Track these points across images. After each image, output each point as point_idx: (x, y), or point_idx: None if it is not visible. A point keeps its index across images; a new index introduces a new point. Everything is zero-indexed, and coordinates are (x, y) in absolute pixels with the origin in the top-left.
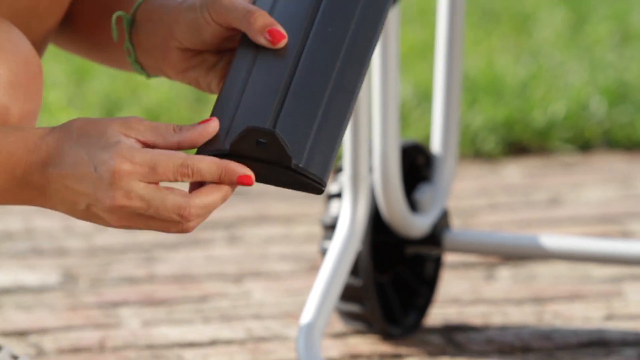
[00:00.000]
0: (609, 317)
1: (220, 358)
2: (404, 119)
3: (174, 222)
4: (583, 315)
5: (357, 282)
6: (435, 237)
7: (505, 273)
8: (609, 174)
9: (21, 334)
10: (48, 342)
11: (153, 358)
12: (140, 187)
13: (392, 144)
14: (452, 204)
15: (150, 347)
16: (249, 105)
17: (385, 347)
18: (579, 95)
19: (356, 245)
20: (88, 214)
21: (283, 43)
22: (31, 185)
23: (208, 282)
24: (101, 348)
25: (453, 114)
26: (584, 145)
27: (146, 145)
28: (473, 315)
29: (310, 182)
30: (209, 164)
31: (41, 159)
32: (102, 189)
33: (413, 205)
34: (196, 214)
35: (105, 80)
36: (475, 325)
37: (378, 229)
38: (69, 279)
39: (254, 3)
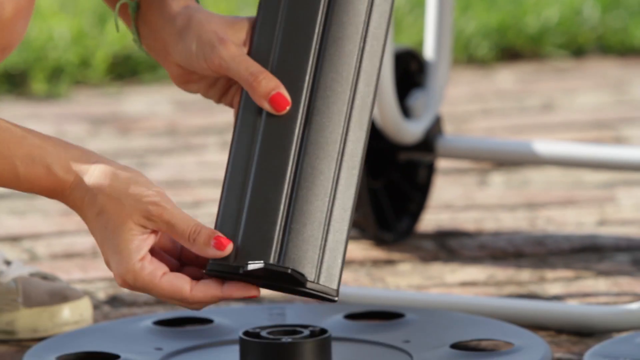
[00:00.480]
0: (602, 223)
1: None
2: (397, 25)
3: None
4: (576, 221)
5: None
6: (428, 143)
7: (498, 179)
8: (602, 80)
9: (14, 239)
10: (41, 248)
11: None
12: (137, 276)
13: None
14: (445, 110)
15: None
16: (255, 212)
17: (378, 253)
18: (572, 1)
19: None
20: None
21: (287, 109)
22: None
23: (201, 187)
24: (94, 253)
25: (446, 19)
26: (577, 51)
27: (157, 236)
28: (466, 221)
29: (322, 295)
30: (209, 301)
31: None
32: (107, 254)
33: (406, 112)
34: (184, 301)
35: None
36: (468, 231)
37: (371, 135)
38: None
39: (251, 47)
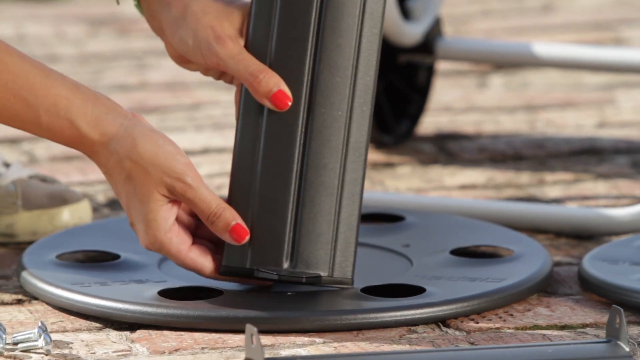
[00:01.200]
0: (601, 125)
1: (212, 166)
2: None
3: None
4: (575, 123)
5: None
6: (428, 45)
7: (497, 81)
8: None
9: (13, 141)
10: (40, 150)
11: None
12: (157, 239)
13: None
14: (445, 11)
15: None
16: (264, 213)
17: (378, 156)
18: None
19: None
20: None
21: (289, 105)
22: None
23: (200, 89)
24: None
25: None
26: None
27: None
28: (465, 123)
29: (337, 283)
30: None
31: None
32: (138, 225)
33: (405, 13)
34: (202, 270)
35: None
36: (467, 134)
37: None
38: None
39: (247, 39)
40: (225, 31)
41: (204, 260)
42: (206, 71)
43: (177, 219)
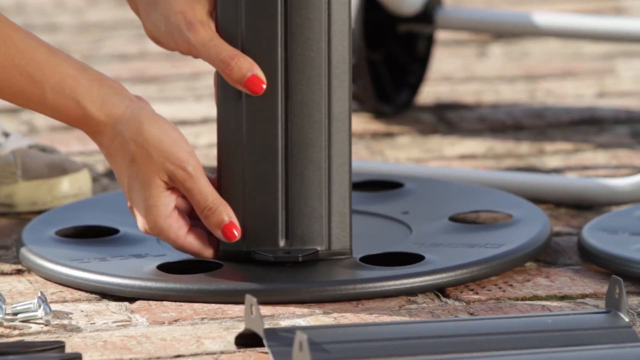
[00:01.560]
0: (601, 95)
1: (212, 136)
2: None
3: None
4: (575, 93)
5: None
6: (428, 14)
7: (497, 50)
8: None
9: (13, 110)
10: (40, 119)
11: None
12: (154, 223)
13: None
14: None
15: None
16: (255, 195)
17: (377, 126)
18: None
19: None
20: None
21: (264, 88)
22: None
23: (199, 59)
24: None
25: None
26: None
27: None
28: (465, 93)
29: (336, 255)
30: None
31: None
32: (130, 200)
33: None
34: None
35: None
36: (467, 103)
37: (370, 6)
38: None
39: (217, 22)
40: (196, 16)
41: (202, 244)
42: (184, 53)
43: (176, 204)
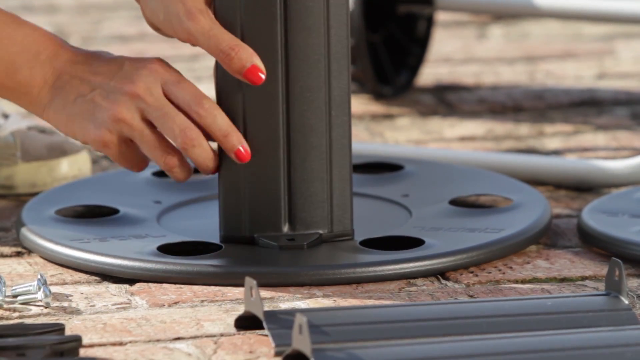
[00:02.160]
0: (601, 76)
1: None
2: None
3: (168, 145)
4: (575, 74)
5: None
6: None
7: (497, 31)
8: None
9: None
10: None
11: None
12: (159, 89)
13: None
14: None
15: None
16: (257, 180)
17: (377, 108)
18: None
19: None
20: (88, 103)
21: (263, 78)
22: (46, 72)
23: None
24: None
25: None
26: None
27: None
28: (465, 74)
29: (339, 237)
30: (226, 119)
31: (68, 55)
32: (124, 76)
33: None
34: (195, 141)
35: None
36: (467, 85)
37: None
38: (60, 36)
39: (215, 8)
40: (196, 4)
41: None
42: (182, 41)
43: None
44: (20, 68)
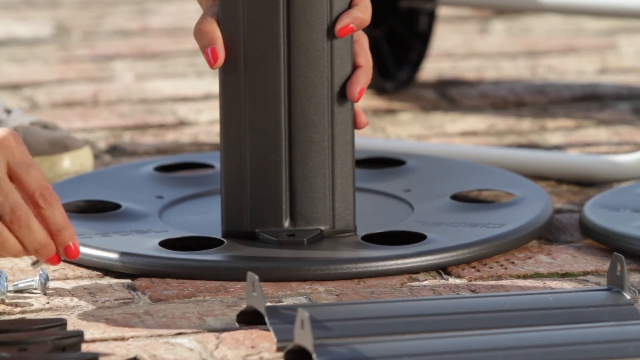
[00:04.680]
0: (603, 71)
1: (213, 113)
2: None
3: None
4: (577, 69)
5: None
6: None
7: (499, 26)
8: None
9: (14, 87)
10: (41, 95)
11: (146, 112)
12: (3, 167)
13: None
14: None
15: (144, 101)
16: (258, 175)
17: (379, 102)
18: None
19: None
20: None
21: (215, 63)
22: None
23: None
24: (94, 102)
25: None
26: None
27: None
28: (467, 69)
29: (341, 233)
30: (62, 216)
31: None
32: None
33: None
34: (22, 221)
35: None
36: (468, 80)
37: None
38: (62, 31)
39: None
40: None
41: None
42: None
43: None
44: None
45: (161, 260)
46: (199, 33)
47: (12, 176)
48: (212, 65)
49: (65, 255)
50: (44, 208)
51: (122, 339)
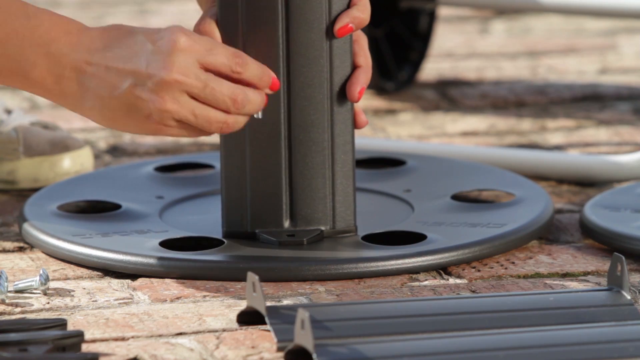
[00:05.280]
0: (603, 71)
1: None
2: None
3: (220, 115)
4: (577, 69)
5: None
6: None
7: (499, 26)
8: None
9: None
10: None
11: None
12: (197, 67)
13: None
14: None
15: None
16: (258, 176)
17: (379, 102)
18: None
19: None
20: (128, 96)
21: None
22: (62, 66)
23: None
24: None
25: None
26: None
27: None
28: (467, 69)
29: (341, 233)
30: (256, 63)
31: (84, 43)
32: (156, 62)
33: None
34: (245, 100)
35: None
36: (469, 80)
37: None
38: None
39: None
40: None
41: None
42: None
43: None
44: (33, 65)
45: (161, 260)
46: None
47: (206, 67)
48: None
49: (272, 88)
50: (242, 72)
51: (123, 339)
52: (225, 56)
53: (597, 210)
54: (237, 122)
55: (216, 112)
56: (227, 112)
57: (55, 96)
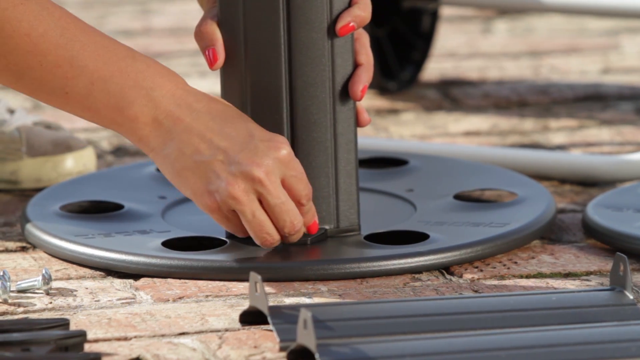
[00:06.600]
0: (606, 71)
1: None
2: None
3: (272, 229)
4: (579, 69)
5: None
6: None
7: (501, 26)
8: None
9: None
10: None
11: None
12: (279, 181)
13: None
14: None
15: None
16: None
17: (382, 102)
18: None
19: None
20: (207, 165)
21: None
22: (161, 110)
23: None
24: None
25: None
26: None
27: None
28: (469, 69)
29: (345, 232)
30: (313, 207)
31: (187, 100)
32: (252, 155)
33: None
34: (298, 227)
35: None
36: (471, 80)
37: None
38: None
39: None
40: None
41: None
42: None
43: None
44: (131, 104)
45: (164, 260)
46: (199, 34)
47: (286, 187)
48: (211, 66)
49: (308, 230)
50: (307, 211)
51: (125, 339)
52: (304, 189)
53: (599, 210)
54: (277, 243)
55: (271, 225)
56: (279, 230)
57: (139, 136)
